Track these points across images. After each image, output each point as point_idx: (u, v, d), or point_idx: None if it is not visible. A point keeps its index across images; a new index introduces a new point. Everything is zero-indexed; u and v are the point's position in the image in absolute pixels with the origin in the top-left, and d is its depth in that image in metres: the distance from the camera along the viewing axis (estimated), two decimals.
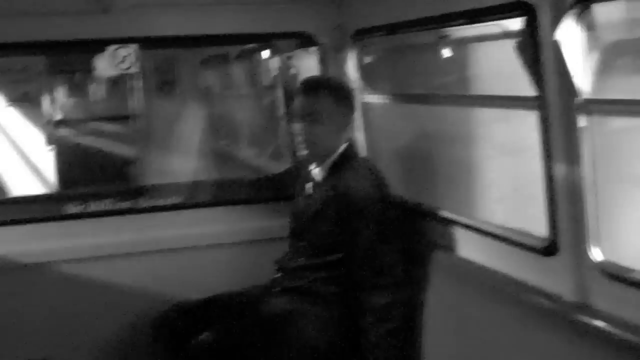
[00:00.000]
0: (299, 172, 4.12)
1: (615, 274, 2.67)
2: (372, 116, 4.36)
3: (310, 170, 3.87)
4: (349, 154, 3.82)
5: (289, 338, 3.62)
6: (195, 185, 4.76)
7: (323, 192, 3.75)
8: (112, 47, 4.21)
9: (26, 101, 10.34)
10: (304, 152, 3.78)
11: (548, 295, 2.92)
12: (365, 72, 4.33)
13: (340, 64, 4.36)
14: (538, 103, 2.83)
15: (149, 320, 3.99)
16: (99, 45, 4.20)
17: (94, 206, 4.34)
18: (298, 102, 3.76)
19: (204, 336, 3.59)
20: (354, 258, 3.60)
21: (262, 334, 3.62)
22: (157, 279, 4.35)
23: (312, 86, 3.83)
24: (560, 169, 2.81)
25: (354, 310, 3.58)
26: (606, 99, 2.71)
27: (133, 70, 4.24)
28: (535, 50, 2.77)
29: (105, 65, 4.20)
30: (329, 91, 3.78)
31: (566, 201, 2.80)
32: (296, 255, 3.84)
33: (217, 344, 3.57)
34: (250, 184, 4.97)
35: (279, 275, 3.90)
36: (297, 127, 3.74)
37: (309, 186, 3.89)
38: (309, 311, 3.68)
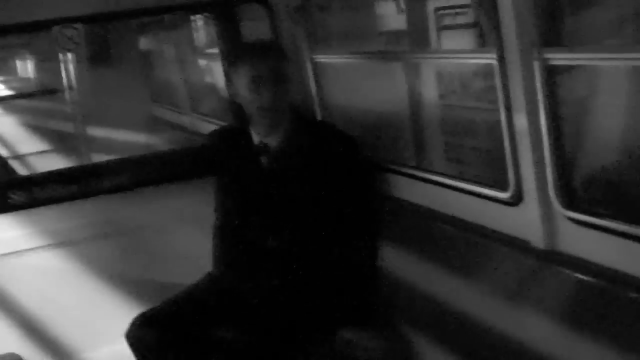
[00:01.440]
0: (221, 144, 3.89)
1: (579, 219, 2.71)
2: (325, 76, 4.33)
3: (258, 140, 3.67)
4: (300, 115, 3.78)
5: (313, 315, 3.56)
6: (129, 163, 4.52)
7: (295, 162, 3.61)
8: (56, 28, 4.07)
9: None
10: (270, 119, 3.60)
11: (516, 243, 2.96)
12: (317, 32, 4.29)
13: (291, 25, 4.30)
14: (497, 54, 2.84)
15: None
16: (40, 26, 4.07)
17: (38, 193, 4.21)
18: (265, 63, 3.54)
19: (223, 332, 3.49)
20: (356, 201, 3.59)
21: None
22: (112, 264, 4.31)
23: (274, 47, 3.71)
24: (520, 119, 2.83)
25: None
26: (566, 48, 2.73)
27: (79, 50, 4.13)
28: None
29: (49, 46, 4.07)
30: (283, 52, 3.71)
31: (528, 150, 2.83)
32: (275, 233, 3.65)
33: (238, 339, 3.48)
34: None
35: (243, 257, 3.74)
36: (268, 91, 3.53)
37: (264, 160, 3.67)
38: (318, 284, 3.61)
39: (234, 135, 3.79)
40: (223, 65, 3.69)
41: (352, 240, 3.58)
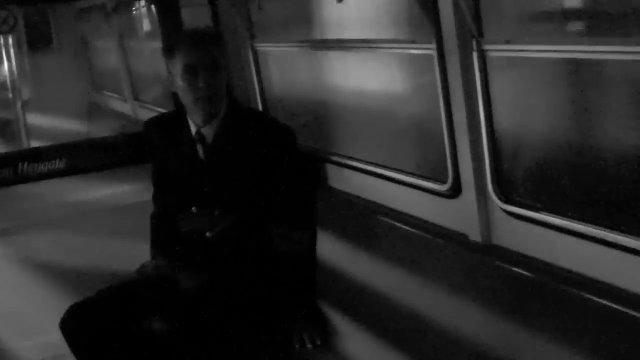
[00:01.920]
0: (156, 132, 3.79)
1: (516, 213, 2.72)
2: (265, 64, 4.32)
3: (195, 130, 3.60)
4: (237, 104, 3.74)
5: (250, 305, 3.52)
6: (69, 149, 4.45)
7: (232, 152, 3.55)
8: None
9: None
10: (206, 108, 3.52)
11: (453, 235, 2.97)
12: (258, 19, 4.27)
13: (232, 12, 4.28)
14: (435, 45, 2.84)
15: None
16: None
17: None
18: (199, 52, 3.48)
19: (155, 322, 3.40)
20: (289, 195, 3.55)
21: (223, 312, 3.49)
22: (46, 252, 4.25)
23: (210, 36, 3.61)
24: (459, 111, 2.84)
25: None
26: (503, 40, 2.73)
27: (16, 33, 4.04)
28: None
29: None
30: (220, 40, 3.66)
31: (466, 143, 2.84)
32: (212, 223, 3.57)
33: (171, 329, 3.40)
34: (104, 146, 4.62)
35: (180, 248, 3.70)
36: (202, 80, 3.47)
37: (200, 150, 3.61)
38: (257, 274, 3.57)
39: (170, 123, 3.74)
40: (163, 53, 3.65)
41: (289, 231, 3.56)
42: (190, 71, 3.46)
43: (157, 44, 4.41)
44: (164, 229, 3.80)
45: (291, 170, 3.58)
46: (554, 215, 2.61)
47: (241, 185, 3.55)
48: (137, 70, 7.54)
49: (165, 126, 3.77)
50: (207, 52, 3.48)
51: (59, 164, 4.27)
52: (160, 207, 3.84)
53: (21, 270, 4.20)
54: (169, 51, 3.55)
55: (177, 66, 3.48)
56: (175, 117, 3.72)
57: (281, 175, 3.54)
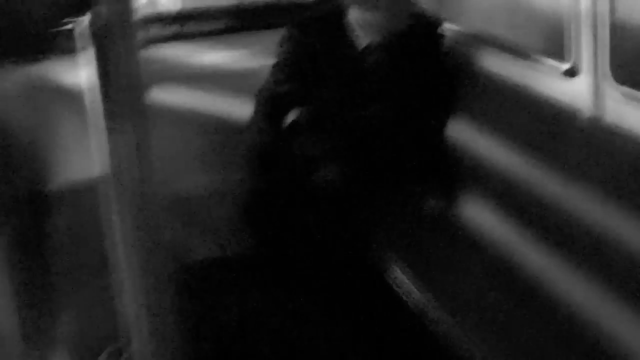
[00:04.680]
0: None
1: (631, 95, 2.82)
2: None
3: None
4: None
5: None
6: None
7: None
8: None
9: None
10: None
11: (569, 111, 3.10)
12: None
13: None
14: None
15: None
16: None
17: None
18: None
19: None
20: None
21: None
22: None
23: None
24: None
25: None
26: None
27: None
28: None
29: None
30: None
31: (589, 23, 2.95)
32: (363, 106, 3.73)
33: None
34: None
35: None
36: None
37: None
38: None
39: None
40: None
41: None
42: None
43: None
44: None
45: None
46: None
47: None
48: None
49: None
50: None
51: (219, 24, 4.53)
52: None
53: (177, 119, 4.47)
54: None
55: None
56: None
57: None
